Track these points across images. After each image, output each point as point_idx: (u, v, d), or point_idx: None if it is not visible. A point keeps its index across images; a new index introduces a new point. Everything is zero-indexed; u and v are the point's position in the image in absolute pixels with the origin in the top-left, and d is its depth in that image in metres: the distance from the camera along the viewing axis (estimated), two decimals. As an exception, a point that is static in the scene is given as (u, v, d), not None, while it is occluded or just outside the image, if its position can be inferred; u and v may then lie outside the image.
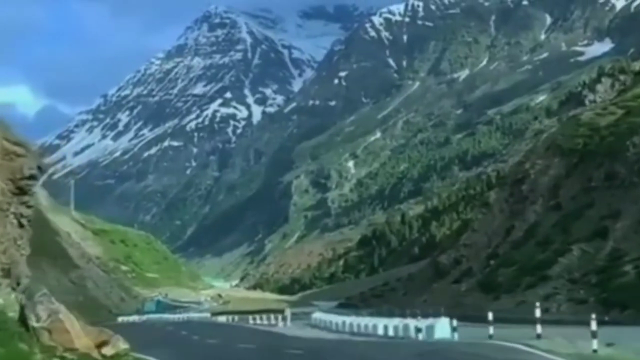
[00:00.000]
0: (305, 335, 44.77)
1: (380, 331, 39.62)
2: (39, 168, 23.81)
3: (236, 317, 77.79)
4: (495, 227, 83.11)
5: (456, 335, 33.71)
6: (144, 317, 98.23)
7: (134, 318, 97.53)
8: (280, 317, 60.24)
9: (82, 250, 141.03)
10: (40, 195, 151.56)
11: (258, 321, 66.48)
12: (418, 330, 35.17)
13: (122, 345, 20.57)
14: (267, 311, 67.54)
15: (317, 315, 58.51)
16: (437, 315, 39.72)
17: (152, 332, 53.85)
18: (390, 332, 38.33)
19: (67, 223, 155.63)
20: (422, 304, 72.25)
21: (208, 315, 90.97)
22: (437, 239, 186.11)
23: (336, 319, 49.93)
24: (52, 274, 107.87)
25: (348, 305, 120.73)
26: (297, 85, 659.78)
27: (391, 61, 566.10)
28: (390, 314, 53.09)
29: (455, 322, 34.17)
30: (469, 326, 39.31)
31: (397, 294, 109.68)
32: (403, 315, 49.51)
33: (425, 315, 49.01)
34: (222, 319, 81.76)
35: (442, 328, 34.02)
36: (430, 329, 34.31)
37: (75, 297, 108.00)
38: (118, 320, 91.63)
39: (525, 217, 75.72)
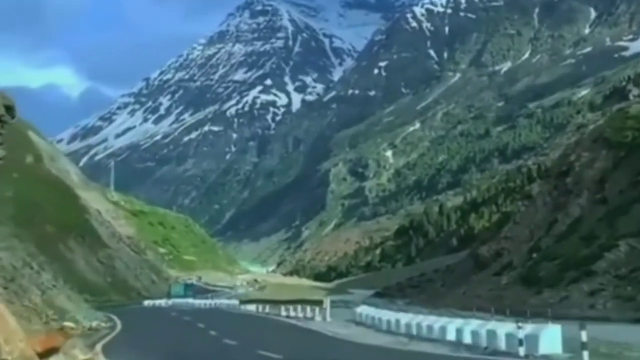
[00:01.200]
0: (350, 336, 34.76)
1: (451, 336, 29.17)
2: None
3: (267, 307, 63.94)
4: (537, 220, 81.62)
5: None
6: (170, 302, 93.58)
7: (160, 302, 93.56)
8: (317, 309, 49.97)
9: (112, 229, 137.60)
10: (71, 171, 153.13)
11: (292, 313, 54.40)
12: (510, 337, 24.54)
13: (81, 354, 16.48)
14: (303, 301, 55.66)
15: (363, 309, 46.56)
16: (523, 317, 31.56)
17: (162, 324, 48.87)
18: (467, 339, 27.84)
19: (98, 200, 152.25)
20: (461, 296, 72.29)
21: (236, 302, 77.55)
22: (476, 231, 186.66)
23: (388, 315, 39.49)
24: (79, 253, 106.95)
25: (384, 295, 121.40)
26: (337, 75, 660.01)
27: (432, 52, 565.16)
28: (444, 312, 46.83)
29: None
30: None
31: (435, 285, 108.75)
32: (458, 312, 45.44)
33: (463, 311, 46.97)
34: (251, 307, 69.20)
35: (551, 339, 23.25)
36: (533, 339, 23.35)
37: (103, 278, 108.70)
38: (144, 304, 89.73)
39: (569, 210, 74.39)
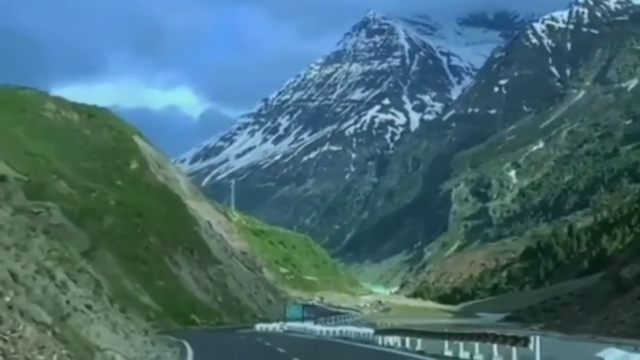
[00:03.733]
0: None
1: None
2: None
3: (419, 343, 38.46)
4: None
5: None
6: (286, 326, 79.30)
7: (275, 326, 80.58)
8: (514, 350, 28.14)
9: (224, 244, 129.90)
10: (180, 180, 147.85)
11: (463, 354, 32.18)
12: None
13: None
14: (480, 337, 32.23)
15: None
16: None
17: None
18: None
19: (208, 212, 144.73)
20: (603, 321, 71.31)
21: (370, 332, 53.21)
22: (609, 253, 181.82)
23: None
24: (186, 268, 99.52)
25: (516, 319, 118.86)
26: (455, 93, 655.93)
27: (554, 69, 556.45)
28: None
29: None
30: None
31: (572, 309, 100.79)
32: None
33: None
34: (392, 340, 44.00)
35: None
36: None
37: (213, 297, 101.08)
38: (256, 328, 78.64)
39: None
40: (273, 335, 61.66)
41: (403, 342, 41.40)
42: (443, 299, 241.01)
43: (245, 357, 34.12)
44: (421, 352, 36.12)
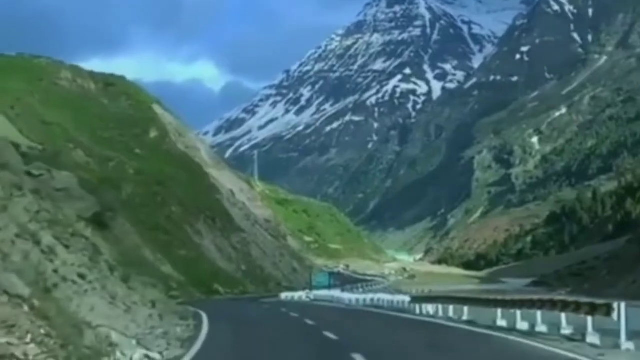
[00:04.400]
0: None
1: None
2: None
3: (465, 311, 33.39)
4: None
5: None
6: (312, 295, 75.92)
7: (300, 295, 77.65)
8: (589, 320, 22.54)
9: (247, 212, 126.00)
10: (201, 148, 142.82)
11: (520, 324, 26.86)
12: None
13: None
14: (543, 303, 25.86)
15: None
16: None
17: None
18: None
19: (230, 180, 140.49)
20: (631, 285, 68.86)
21: (405, 299, 46.84)
22: (633, 216, 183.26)
23: None
24: (208, 237, 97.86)
25: (542, 284, 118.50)
26: (477, 61, 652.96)
27: (576, 35, 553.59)
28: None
29: None
30: None
31: (599, 273, 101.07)
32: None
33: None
34: (432, 309, 38.73)
35: None
36: None
37: (236, 266, 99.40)
38: (281, 297, 75.07)
39: None
40: (299, 305, 57.87)
41: (445, 311, 36.25)
42: (467, 265, 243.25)
43: (269, 332, 28.02)
44: (469, 322, 30.81)
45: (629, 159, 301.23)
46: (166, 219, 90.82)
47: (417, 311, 40.91)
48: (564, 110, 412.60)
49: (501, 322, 28.57)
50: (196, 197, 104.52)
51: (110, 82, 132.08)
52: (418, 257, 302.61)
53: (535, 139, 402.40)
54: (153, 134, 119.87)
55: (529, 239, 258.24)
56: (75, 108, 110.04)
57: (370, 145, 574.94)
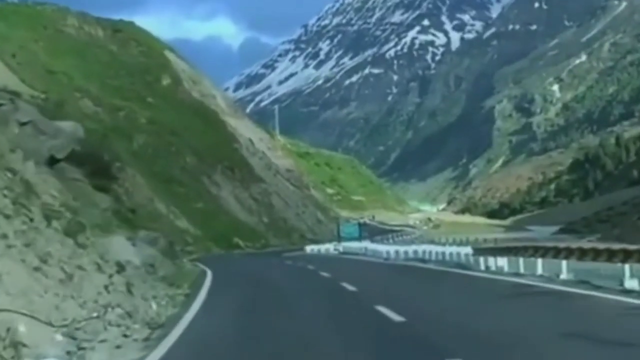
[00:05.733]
0: None
1: None
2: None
3: (563, 268, 23.35)
4: None
5: None
6: (341, 247, 67.59)
7: (327, 247, 69.97)
8: None
9: (267, 161, 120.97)
10: (217, 96, 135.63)
11: (629, 282, 18.69)
12: None
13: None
14: None
15: None
16: None
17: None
18: None
19: (249, 128, 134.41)
20: None
21: (466, 251, 36.86)
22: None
23: None
24: (227, 188, 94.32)
25: (570, 231, 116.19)
26: (495, 11, 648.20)
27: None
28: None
29: None
30: None
31: (629, 218, 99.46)
32: None
33: None
34: (507, 264, 28.88)
35: None
36: None
37: (258, 218, 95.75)
38: (306, 251, 68.16)
39: None
40: (328, 260, 49.38)
41: (533, 267, 25.65)
42: (491, 214, 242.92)
43: (293, 307, 18.16)
44: (579, 283, 21.04)
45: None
46: (181, 170, 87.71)
47: (482, 266, 30.62)
48: (584, 57, 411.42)
49: (631, 283, 18.84)
50: (213, 147, 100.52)
51: (118, 28, 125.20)
52: (441, 207, 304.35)
53: (555, 87, 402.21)
54: (165, 81, 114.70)
55: (552, 186, 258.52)
56: (83, 56, 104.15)
57: (389, 98, 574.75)
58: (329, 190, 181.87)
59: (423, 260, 41.20)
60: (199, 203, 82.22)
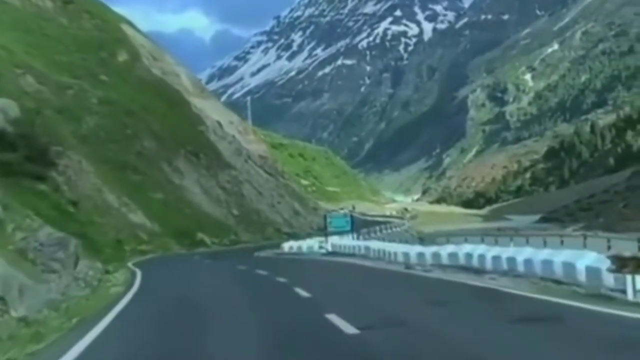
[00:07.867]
0: None
1: None
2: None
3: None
4: None
5: None
6: (329, 244, 53.36)
7: (311, 244, 58.29)
8: None
9: (237, 145, 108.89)
10: (181, 74, 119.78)
11: None
12: None
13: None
14: None
15: None
16: None
17: None
18: None
19: (217, 110, 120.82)
20: None
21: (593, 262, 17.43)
22: (634, 149, 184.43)
23: None
24: (191, 176, 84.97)
25: (551, 220, 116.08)
26: (467, 1, 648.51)
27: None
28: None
29: None
30: None
31: (613, 206, 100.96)
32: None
33: None
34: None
35: None
36: None
37: (227, 210, 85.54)
38: (284, 249, 57.75)
39: None
40: (315, 267, 34.19)
41: None
42: (466, 203, 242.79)
43: None
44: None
45: (624, 92, 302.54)
46: (137, 156, 78.67)
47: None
48: (556, 46, 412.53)
49: None
50: (175, 130, 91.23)
51: (69, 0, 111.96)
52: (416, 197, 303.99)
53: (528, 76, 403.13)
54: (122, 57, 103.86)
55: (528, 175, 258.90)
56: (27, 29, 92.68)
57: (362, 89, 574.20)
58: (304, 182, 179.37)
59: (477, 271, 23.13)
60: (158, 193, 74.28)
